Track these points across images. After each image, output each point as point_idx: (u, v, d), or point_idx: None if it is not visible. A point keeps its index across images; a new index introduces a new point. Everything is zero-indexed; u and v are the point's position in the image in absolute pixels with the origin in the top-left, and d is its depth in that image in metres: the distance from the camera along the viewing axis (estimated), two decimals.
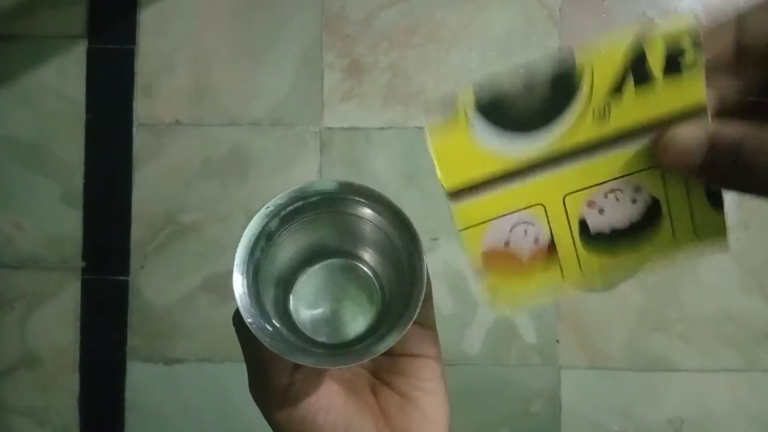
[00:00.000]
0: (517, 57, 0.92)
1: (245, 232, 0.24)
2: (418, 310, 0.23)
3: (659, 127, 0.19)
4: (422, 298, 0.23)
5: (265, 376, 0.24)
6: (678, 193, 0.21)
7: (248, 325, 0.23)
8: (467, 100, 0.19)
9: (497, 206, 0.21)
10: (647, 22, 0.19)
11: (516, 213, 0.21)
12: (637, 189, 0.21)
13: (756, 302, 0.89)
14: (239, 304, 0.23)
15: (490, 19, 0.93)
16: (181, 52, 0.95)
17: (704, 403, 0.89)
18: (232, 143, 0.93)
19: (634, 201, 0.21)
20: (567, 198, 0.21)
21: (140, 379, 0.92)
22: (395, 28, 0.94)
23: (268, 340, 0.22)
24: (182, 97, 0.94)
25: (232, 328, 0.25)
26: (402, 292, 0.25)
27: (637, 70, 0.19)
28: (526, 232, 0.21)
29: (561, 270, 0.21)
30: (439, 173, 0.20)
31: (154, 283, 0.93)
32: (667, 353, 0.89)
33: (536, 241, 0.21)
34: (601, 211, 0.21)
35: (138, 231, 0.93)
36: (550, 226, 0.21)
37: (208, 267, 0.92)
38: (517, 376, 0.89)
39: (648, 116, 0.19)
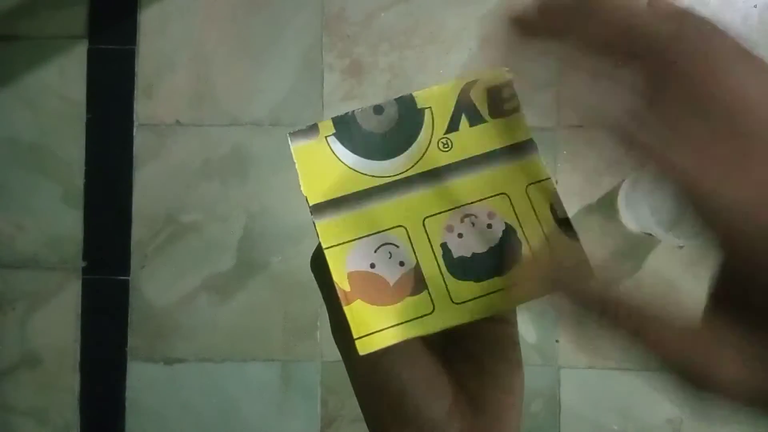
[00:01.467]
0: None
1: None
2: None
3: (497, 157, 0.22)
4: None
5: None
6: (530, 221, 0.22)
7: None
8: (326, 127, 0.22)
9: (360, 226, 0.22)
10: (471, 74, 0.23)
11: (379, 234, 0.22)
12: (491, 215, 0.22)
13: None
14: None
15: (490, 19, 0.93)
16: (181, 53, 0.95)
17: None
18: (233, 143, 0.93)
19: (489, 226, 0.22)
20: (426, 221, 0.22)
21: (141, 378, 0.92)
22: (395, 29, 0.94)
23: None
24: (183, 98, 0.95)
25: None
26: None
27: (467, 111, 0.23)
28: (390, 254, 0.21)
29: (431, 298, 0.21)
30: (302, 186, 0.22)
31: (155, 283, 0.93)
32: None
33: (402, 264, 0.21)
34: (460, 236, 0.22)
35: (138, 231, 0.94)
36: (413, 249, 0.22)
37: (209, 267, 0.92)
38: None
39: (485, 148, 0.22)
